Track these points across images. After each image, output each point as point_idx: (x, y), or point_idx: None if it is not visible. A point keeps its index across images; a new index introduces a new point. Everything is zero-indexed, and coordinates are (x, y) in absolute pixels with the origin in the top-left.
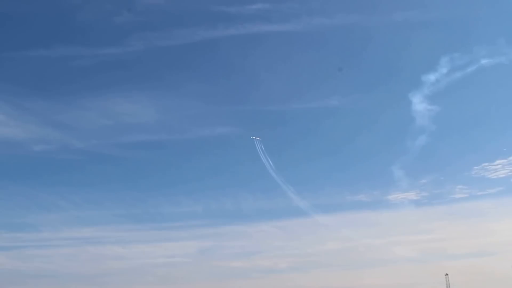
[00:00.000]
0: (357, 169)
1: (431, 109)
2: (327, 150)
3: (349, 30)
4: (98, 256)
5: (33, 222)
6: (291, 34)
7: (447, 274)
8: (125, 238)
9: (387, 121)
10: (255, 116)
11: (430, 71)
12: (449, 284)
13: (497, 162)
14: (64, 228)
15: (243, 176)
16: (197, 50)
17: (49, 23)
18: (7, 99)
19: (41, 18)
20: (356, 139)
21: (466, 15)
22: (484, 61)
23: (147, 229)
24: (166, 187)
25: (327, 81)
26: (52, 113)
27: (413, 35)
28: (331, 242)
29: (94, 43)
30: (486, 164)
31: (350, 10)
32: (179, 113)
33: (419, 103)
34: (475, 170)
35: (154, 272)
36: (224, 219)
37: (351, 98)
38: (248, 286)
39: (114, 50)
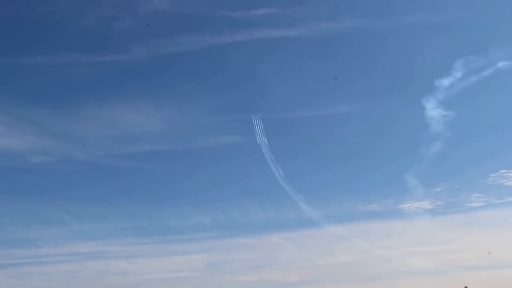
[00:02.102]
0: (369, 178)
1: (446, 114)
2: (338, 158)
3: (359, 34)
4: (101, 272)
5: (31, 237)
6: (299, 40)
7: (466, 287)
8: (129, 252)
9: (400, 128)
10: (263, 124)
11: (444, 76)
12: None
13: None
14: (65, 243)
15: (252, 186)
16: (202, 57)
17: (48, 29)
18: (4, 109)
19: (39, 24)
20: (367, 146)
21: (481, 16)
22: (501, 64)
23: (152, 243)
24: (172, 198)
25: (337, 87)
26: (52, 123)
27: (425, 38)
28: (343, 253)
29: (96, 49)
30: (504, 171)
31: (359, 14)
32: (184, 122)
33: (433, 109)
34: (492, 177)
35: (161, 287)
36: (232, 231)
37: (362, 105)
38: None
39: (117, 57)
